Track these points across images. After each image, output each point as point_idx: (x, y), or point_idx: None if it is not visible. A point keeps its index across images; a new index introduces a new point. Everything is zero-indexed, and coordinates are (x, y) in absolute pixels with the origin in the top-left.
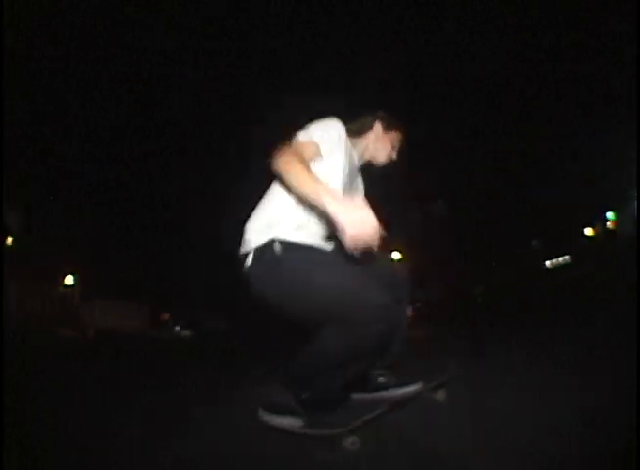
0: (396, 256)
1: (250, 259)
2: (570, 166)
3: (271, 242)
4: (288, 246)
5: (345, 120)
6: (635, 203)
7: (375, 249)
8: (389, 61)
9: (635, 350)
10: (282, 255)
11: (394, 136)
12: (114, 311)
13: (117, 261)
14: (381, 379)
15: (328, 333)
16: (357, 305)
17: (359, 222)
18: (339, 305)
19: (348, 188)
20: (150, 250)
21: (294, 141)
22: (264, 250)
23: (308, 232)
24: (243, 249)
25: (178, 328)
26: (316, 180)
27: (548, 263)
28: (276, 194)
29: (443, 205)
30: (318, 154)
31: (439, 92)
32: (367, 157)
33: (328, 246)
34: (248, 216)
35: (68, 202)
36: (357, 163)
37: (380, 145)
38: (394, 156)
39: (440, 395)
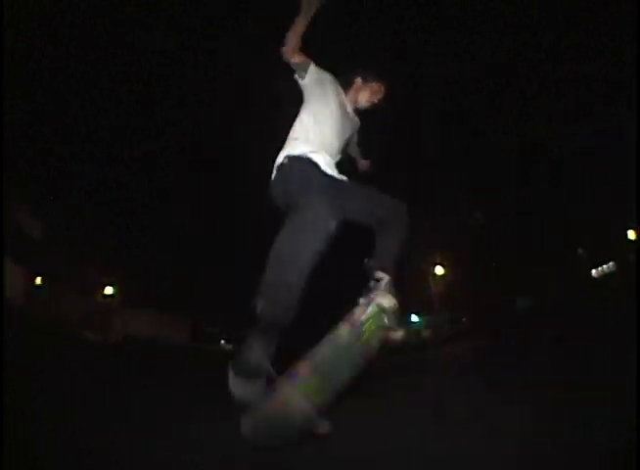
0: (439, 271)
1: (273, 174)
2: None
3: (285, 158)
4: (294, 158)
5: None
6: None
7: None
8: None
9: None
10: (288, 165)
11: (373, 86)
12: (155, 322)
13: (160, 273)
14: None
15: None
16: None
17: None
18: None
19: (340, 123)
20: (195, 261)
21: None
22: (280, 165)
23: (314, 151)
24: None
25: (223, 341)
26: (295, 22)
27: (594, 272)
28: (299, 127)
29: (481, 215)
30: (320, 80)
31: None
32: (353, 103)
33: (326, 168)
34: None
35: (113, 213)
36: (345, 105)
37: (360, 94)
38: (376, 101)
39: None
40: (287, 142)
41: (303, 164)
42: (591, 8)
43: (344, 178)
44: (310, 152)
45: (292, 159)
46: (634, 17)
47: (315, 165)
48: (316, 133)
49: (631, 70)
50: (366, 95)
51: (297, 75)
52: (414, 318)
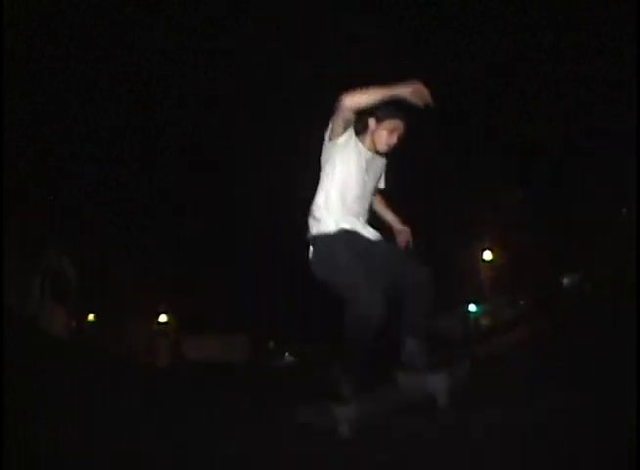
0: (488, 256)
1: (310, 248)
2: None
3: (320, 234)
4: (330, 237)
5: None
6: None
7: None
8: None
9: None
10: (322, 244)
11: (388, 124)
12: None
13: (213, 295)
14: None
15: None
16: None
17: (415, 84)
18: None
19: (364, 175)
20: (246, 278)
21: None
22: (316, 239)
23: (347, 222)
24: (308, 235)
25: (287, 354)
26: (375, 88)
27: None
28: (321, 191)
29: (518, 191)
30: (347, 141)
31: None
32: (371, 147)
33: (365, 232)
34: None
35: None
36: (366, 154)
37: (377, 137)
38: (394, 140)
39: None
40: (315, 210)
41: (338, 242)
42: (591, 8)
43: (377, 237)
44: (342, 222)
45: (325, 237)
46: (634, 17)
47: (348, 239)
48: (344, 199)
49: (631, 70)
50: (383, 137)
51: (330, 132)
52: (472, 308)
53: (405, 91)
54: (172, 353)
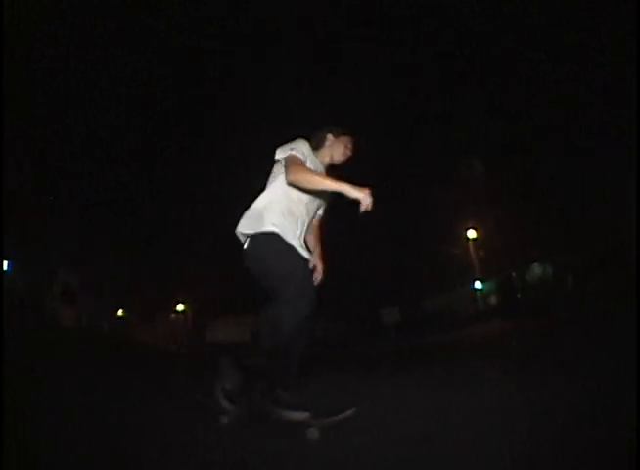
0: (472, 234)
1: (246, 243)
2: None
3: (257, 233)
4: (265, 236)
5: (308, 138)
6: None
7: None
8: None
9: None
10: (259, 241)
11: (345, 139)
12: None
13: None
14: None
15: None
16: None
17: (363, 190)
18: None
19: (314, 198)
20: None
21: (288, 157)
22: (253, 238)
23: (282, 227)
24: (240, 231)
25: None
26: (324, 177)
27: None
28: (265, 195)
29: (476, 162)
30: (305, 161)
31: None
32: (328, 161)
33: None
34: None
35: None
36: (321, 168)
37: (335, 150)
38: (349, 153)
39: (312, 433)
40: (255, 209)
41: (274, 242)
42: (591, 8)
43: (307, 254)
44: (279, 226)
45: (262, 235)
46: (634, 17)
47: (284, 242)
48: (288, 207)
49: (631, 70)
50: (340, 149)
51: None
52: (478, 285)
53: (354, 193)
54: (193, 337)
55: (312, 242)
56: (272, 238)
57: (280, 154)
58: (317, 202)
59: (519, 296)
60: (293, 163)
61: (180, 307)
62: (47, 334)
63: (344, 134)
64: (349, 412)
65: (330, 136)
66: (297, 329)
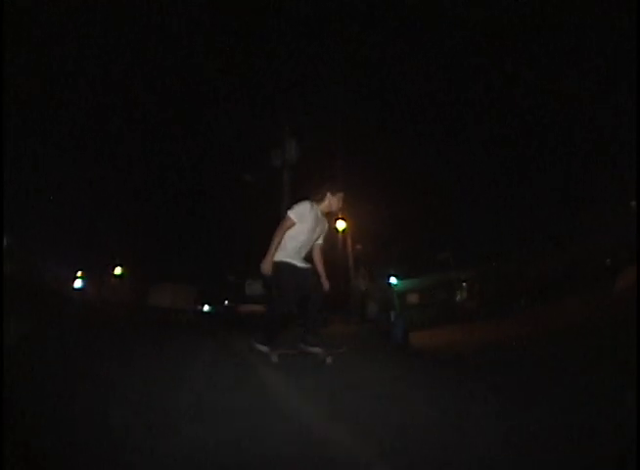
0: (341, 225)
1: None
2: None
3: (278, 261)
4: (280, 263)
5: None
6: None
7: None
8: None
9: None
10: (278, 266)
11: (339, 196)
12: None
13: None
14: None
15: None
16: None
17: (264, 263)
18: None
19: (312, 234)
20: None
21: (285, 217)
22: (276, 264)
23: (288, 256)
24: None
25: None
26: (279, 240)
27: None
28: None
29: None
30: (292, 224)
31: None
32: (327, 211)
33: (298, 263)
34: None
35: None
36: (321, 215)
37: (332, 202)
38: (341, 204)
39: (327, 360)
40: (280, 247)
41: (284, 266)
42: (591, 8)
43: (306, 265)
44: (289, 257)
45: (278, 263)
46: (634, 17)
47: (290, 265)
48: (295, 244)
49: (632, 67)
50: (335, 203)
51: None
52: (393, 281)
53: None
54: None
55: (318, 262)
56: (283, 265)
57: (288, 211)
58: (315, 234)
59: None
60: (284, 220)
61: (118, 271)
62: None
63: (339, 192)
64: (344, 349)
65: (328, 194)
66: (305, 300)
